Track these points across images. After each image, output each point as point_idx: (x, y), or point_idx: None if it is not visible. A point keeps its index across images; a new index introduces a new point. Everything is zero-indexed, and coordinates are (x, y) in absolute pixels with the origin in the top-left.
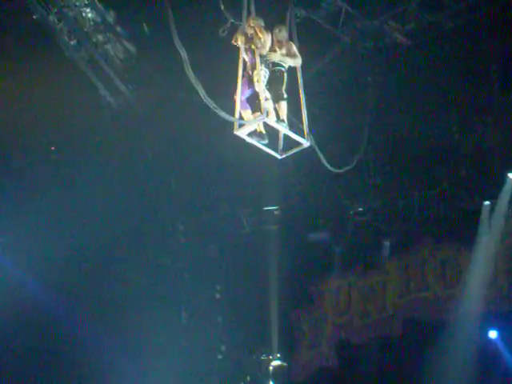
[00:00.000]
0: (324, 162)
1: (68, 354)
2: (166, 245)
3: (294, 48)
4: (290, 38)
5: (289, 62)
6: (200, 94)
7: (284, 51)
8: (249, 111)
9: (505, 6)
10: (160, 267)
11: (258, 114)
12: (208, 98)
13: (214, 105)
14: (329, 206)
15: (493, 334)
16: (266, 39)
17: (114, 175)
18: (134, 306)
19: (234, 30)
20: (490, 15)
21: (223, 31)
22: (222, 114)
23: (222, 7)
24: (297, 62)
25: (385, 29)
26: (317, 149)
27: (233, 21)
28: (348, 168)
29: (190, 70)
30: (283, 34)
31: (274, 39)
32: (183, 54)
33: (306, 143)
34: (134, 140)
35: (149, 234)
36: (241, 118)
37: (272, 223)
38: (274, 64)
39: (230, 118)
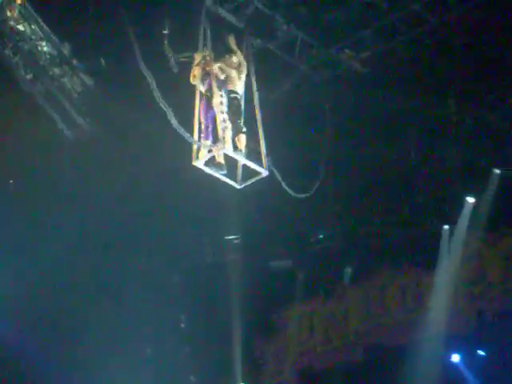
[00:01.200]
0: (285, 186)
1: None
2: (127, 276)
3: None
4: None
5: (240, 79)
6: (169, 118)
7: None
8: (209, 141)
9: (459, 30)
10: (124, 299)
11: (219, 145)
12: (176, 123)
13: (182, 130)
14: (289, 233)
15: (455, 358)
16: (223, 68)
17: (73, 207)
18: (95, 341)
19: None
20: (445, 40)
21: (174, 67)
22: (188, 137)
23: (166, 43)
24: (243, 71)
25: (341, 57)
26: (277, 174)
27: (174, 56)
28: (307, 194)
29: (159, 95)
30: (234, 59)
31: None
32: (151, 80)
33: (264, 172)
34: (94, 172)
35: (110, 265)
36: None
37: (233, 252)
38: (231, 92)
39: (195, 142)
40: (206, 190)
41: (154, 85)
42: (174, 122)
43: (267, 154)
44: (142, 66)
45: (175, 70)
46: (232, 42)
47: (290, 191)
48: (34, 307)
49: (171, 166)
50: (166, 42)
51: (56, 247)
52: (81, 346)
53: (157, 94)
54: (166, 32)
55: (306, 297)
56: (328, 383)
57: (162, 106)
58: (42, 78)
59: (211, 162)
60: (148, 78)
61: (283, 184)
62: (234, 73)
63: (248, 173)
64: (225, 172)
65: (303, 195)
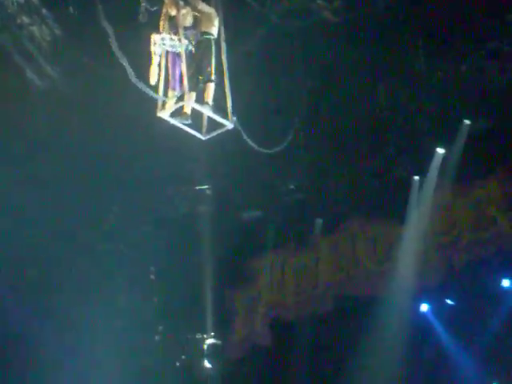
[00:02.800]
0: (250, 142)
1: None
2: (99, 227)
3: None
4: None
5: (211, 23)
6: (127, 71)
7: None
8: (175, 92)
9: None
10: (94, 250)
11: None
12: (134, 76)
13: (140, 83)
14: (260, 184)
15: (424, 307)
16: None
17: (42, 158)
18: (68, 290)
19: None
20: None
21: (142, 17)
22: (151, 92)
23: None
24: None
25: (312, 7)
26: (242, 130)
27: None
28: (276, 149)
29: (116, 46)
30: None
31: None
32: (110, 30)
33: (229, 125)
34: (64, 122)
35: (82, 217)
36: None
37: (204, 203)
38: (201, 34)
39: (158, 97)
40: (177, 140)
41: (113, 38)
42: (132, 77)
43: (232, 107)
44: (102, 18)
45: (144, 20)
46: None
47: (258, 148)
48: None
49: (140, 114)
50: None
51: (25, 196)
52: (55, 297)
53: (115, 46)
54: None
55: (277, 247)
56: (299, 334)
57: (121, 60)
58: (11, 26)
59: (177, 113)
60: (108, 30)
61: (249, 141)
62: (206, 17)
63: (213, 123)
64: (189, 122)
65: (271, 151)
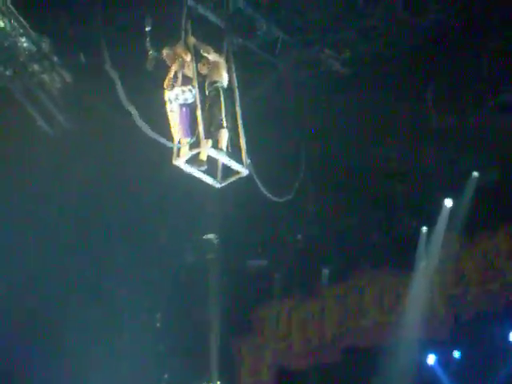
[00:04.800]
0: (264, 190)
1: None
2: (107, 272)
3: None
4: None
5: (221, 72)
6: (134, 118)
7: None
8: (189, 139)
9: (438, 32)
10: (101, 295)
11: (201, 143)
12: (143, 122)
13: (148, 130)
14: (268, 233)
15: (431, 360)
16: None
17: (52, 203)
18: (73, 334)
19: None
20: (422, 43)
21: (149, 64)
22: (162, 140)
23: (148, 41)
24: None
25: (321, 57)
26: (256, 178)
27: (152, 52)
28: (287, 198)
29: (123, 92)
30: (212, 54)
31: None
32: (115, 76)
33: (244, 171)
34: (73, 169)
35: (89, 261)
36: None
37: (211, 252)
38: (213, 82)
39: (170, 145)
40: (185, 189)
41: (119, 84)
42: (141, 123)
43: (247, 154)
44: (108, 65)
45: (150, 68)
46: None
47: (269, 196)
48: (13, 300)
49: (150, 163)
50: (147, 38)
51: (34, 241)
52: (60, 340)
53: (121, 94)
54: (147, 29)
55: (284, 296)
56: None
57: (128, 107)
58: (22, 74)
59: (192, 160)
60: (114, 77)
61: (262, 188)
62: (215, 66)
63: (227, 170)
64: (205, 168)
65: (281, 199)
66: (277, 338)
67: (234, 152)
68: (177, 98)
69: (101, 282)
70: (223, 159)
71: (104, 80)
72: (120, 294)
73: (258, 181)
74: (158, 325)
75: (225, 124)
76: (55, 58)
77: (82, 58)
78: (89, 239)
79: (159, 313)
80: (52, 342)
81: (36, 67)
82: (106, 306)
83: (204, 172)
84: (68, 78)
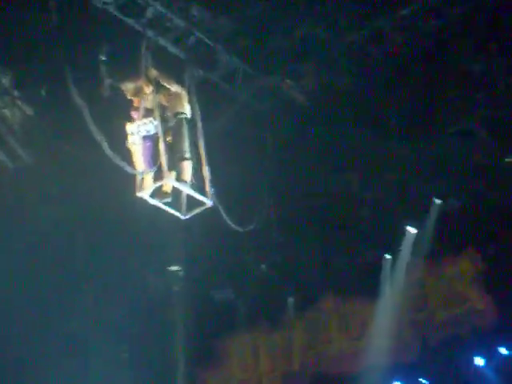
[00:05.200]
0: (227, 220)
1: None
2: (71, 307)
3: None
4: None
5: (182, 102)
6: (102, 145)
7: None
8: (152, 171)
9: (400, 63)
10: (65, 330)
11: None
12: (112, 153)
13: (115, 157)
14: (232, 264)
15: None
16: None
17: (14, 239)
18: (38, 369)
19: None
20: (383, 72)
21: (105, 91)
22: (129, 168)
23: (104, 68)
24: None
25: (282, 87)
26: (220, 208)
27: (107, 80)
28: (250, 227)
29: (91, 120)
30: (173, 85)
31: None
32: (82, 104)
33: (208, 202)
34: (35, 203)
35: (54, 297)
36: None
37: (176, 284)
38: (173, 115)
39: (136, 172)
40: (148, 221)
41: (86, 112)
42: (110, 153)
43: (211, 185)
44: (74, 94)
45: (106, 94)
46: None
47: (233, 225)
48: None
49: (113, 196)
50: (103, 66)
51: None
52: (23, 376)
53: (90, 122)
54: (103, 58)
55: (250, 327)
56: None
57: (96, 136)
58: None
59: (156, 192)
60: (81, 105)
61: (226, 218)
62: (176, 97)
63: (192, 202)
64: (169, 200)
65: (245, 228)
66: (244, 369)
67: (197, 183)
68: (139, 130)
69: (63, 316)
70: (187, 191)
71: (67, 114)
72: (85, 327)
73: (221, 210)
74: (125, 356)
75: (188, 155)
76: (16, 93)
77: (44, 92)
78: (50, 275)
79: (125, 345)
80: (15, 377)
81: None
82: (70, 340)
83: (168, 204)
84: (29, 111)
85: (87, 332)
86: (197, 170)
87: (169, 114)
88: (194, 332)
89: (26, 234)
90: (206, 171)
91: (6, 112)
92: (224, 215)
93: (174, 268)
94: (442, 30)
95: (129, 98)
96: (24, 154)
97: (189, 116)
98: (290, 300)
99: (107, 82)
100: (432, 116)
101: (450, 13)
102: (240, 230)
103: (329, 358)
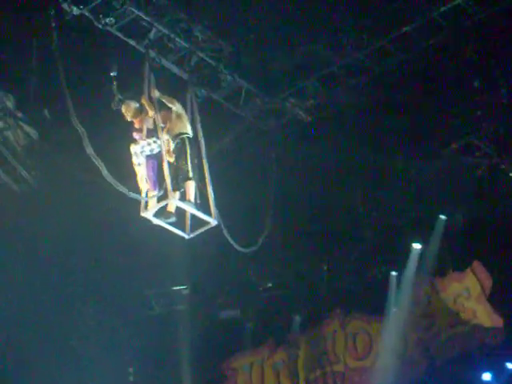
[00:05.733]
0: (231, 241)
1: None
2: (75, 329)
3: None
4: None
5: (184, 123)
6: (101, 170)
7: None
8: (156, 191)
9: (401, 79)
10: (70, 352)
11: (168, 195)
12: (109, 176)
13: (115, 182)
14: (238, 282)
15: None
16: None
17: (19, 259)
18: None
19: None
20: (385, 88)
21: (115, 105)
22: (129, 193)
23: (114, 87)
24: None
25: (286, 106)
26: (224, 229)
27: (121, 97)
28: (254, 248)
29: (90, 146)
30: (176, 105)
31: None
32: (81, 131)
33: (213, 222)
34: (39, 225)
35: (56, 318)
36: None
37: (181, 303)
38: (176, 135)
39: (137, 197)
40: (153, 240)
41: (85, 139)
42: (107, 176)
43: (215, 204)
44: (74, 120)
45: (115, 108)
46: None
47: (236, 246)
48: None
49: (118, 217)
50: (114, 82)
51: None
52: None
53: (89, 148)
54: (113, 74)
55: (256, 346)
56: None
57: (95, 161)
58: None
59: (160, 212)
60: (80, 131)
61: (230, 239)
62: (179, 117)
63: (196, 222)
64: (174, 220)
65: (249, 250)
66: None
67: (201, 203)
68: (143, 150)
69: (70, 340)
70: (191, 210)
71: (70, 135)
72: (91, 349)
73: (225, 231)
74: (131, 379)
75: (191, 175)
76: (19, 115)
77: (47, 113)
78: (55, 295)
79: (131, 366)
80: None
81: (0, 124)
82: (76, 364)
83: (173, 224)
84: (33, 134)
85: (91, 352)
86: (201, 190)
87: (171, 134)
88: (200, 352)
89: (28, 253)
90: (210, 191)
91: (10, 134)
92: (228, 237)
93: (179, 287)
94: (442, 46)
95: (129, 120)
96: (28, 177)
97: (191, 136)
98: (297, 318)
99: (117, 97)
100: (434, 132)
101: (449, 30)
102: (243, 250)
103: (335, 376)
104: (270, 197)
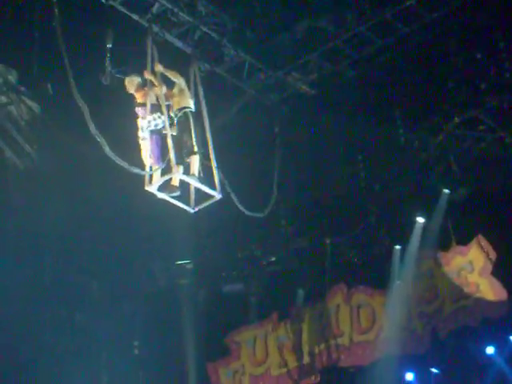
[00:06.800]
0: (240, 206)
1: None
2: (79, 303)
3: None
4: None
5: (187, 97)
6: (103, 147)
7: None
8: (160, 165)
9: (404, 52)
10: (75, 326)
11: (172, 169)
12: (111, 152)
13: (117, 158)
14: (242, 257)
15: (409, 377)
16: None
17: (24, 235)
18: (49, 367)
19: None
20: (388, 61)
21: (105, 79)
22: (131, 168)
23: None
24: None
25: (288, 79)
26: (232, 195)
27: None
28: (261, 215)
29: (92, 123)
30: (180, 79)
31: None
32: (83, 106)
33: (217, 195)
34: (42, 199)
35: (62, 292)
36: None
37: (185, 277)
38: (179, 109)
39: (140, 172)
40: (157, 215)
41: (87, 114)
42: (109, 152)
43: (220, 176)
44: (76, 95)
45: (106, 82)
46: (177, 76)
47: (244, 210)
48: None
49: (122, 192)
50: (107, 54)
51: (4, 274)
52: (35, 375)
53: (91, 124)
54: (108, 46)
55: (260, 319)
56: None
57: (97, 137)
58: None
59: (164, 186)
60: (81, 107)
61: (237, 203)
62: (183, 92)
63: (201, 196)
64: (178, 194)
65: (257, 214)
66: (254, 362)
67: (205, 177)
68: (148, 125)
69: (75, 314)
70: (195, 184)
71: (73, 110)
72: (96, 323)
73: (232, 195)
74: (135, 352)
75: (196, 149)
76: (22, 90)
77: (50, 89)
78: (61, 271)
79: (136, 340)
80: (27, 376)
81: (3, 99)
82: (81, 338)
83: (177, 198)
84: (35, 108)
85: (95, 326)
86: (205, 164)
87: (176, 109)
88: (204, 326)
89: (33, 227)
90: (214, 164)
91: (13, 109)
92: (236, 202)
93: (183, 262)
94: (445, 19)
95: (131, 92)
96: (32, 151)
97: (194, 110)
98: (300, 292)
99: (109, 70)
100: (438, 105)
101: (452, 3)
102: (251, 215)
103: (339, 350)
104: (274, 170)
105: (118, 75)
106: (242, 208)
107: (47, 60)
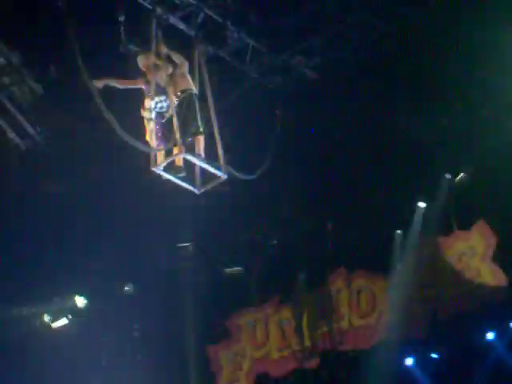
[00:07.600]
0: (236, 173)
1: None
2: (80, 284)
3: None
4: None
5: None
6: (114, 126)
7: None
8: (166, 145)
9: (405, 39)
10: (75, 308)
11: (178, 149)
12: (122, 131)
13: (128, 137)
14: (242, 240)
15: (409, 361)
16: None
17: (26, 216)
18: (49, 350)
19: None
20: (392, 48)
21: (124, 48)
22: (140, 145)
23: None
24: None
25: (291, 63)
26: (232, 169)
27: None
28: (253, 176)
29: (101, 102)
30: (183, 62)
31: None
32: (93, 86)
33: (223, 176)
34: (45, 181)
35: (62, 273)
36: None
37: (186, 259)
38: (183, 91)
39: (148, 150)
40: (159, 198)
41: (97, 95)
42: (120, 132)
43: (225, 157)
44: (85, 76)
45: (123, 51)
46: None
47: (239, 175)
48: None
49: (123, 173)
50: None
51: (5, 255)
52: (40, 352)
53: (100, 104)
54: (120, 19)
55: (261, 303)
56: None
57: (107, 117)
58: None
59: (170, 167)
60: (91, 88)
61: (235, 172)
62: (182, 75)
63: (205, 177)
64: (184, 174)
65: (248, 177)
66: (254, 346)
67: (210, 157)
68: (155, 106)
69: (75, 295)
70: (201, 163)
71: (75, 92)
72: (95, 304)
73: (233, 171)
74: (135, 334)
75: (201, 129)
76: (25, 71)
77: (53, 70)
78: (60, 251)
79: (136, 323)
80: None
81: (6, 80)
82: (82, 318)
83: (182, 179)
84: (39, 90)
85: (95, 308)
86: (209, 145)
87: (179, 90)
88: (205, 309)
89: (37, 208)
90: (219, 145)
91: (16, 90)
92: (232, 171)
93: (184, 244)
94: (450, 4)
95: (142, 69)
96: (34, 133)
97: (196, 92)
98: (301, 276)
99: (125, 42)
100: (439, 91)
101: None
102: (245, 178)
103: (340, 333)
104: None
105: (131, 48)
106: (237, 174)
107: (50, 41)
